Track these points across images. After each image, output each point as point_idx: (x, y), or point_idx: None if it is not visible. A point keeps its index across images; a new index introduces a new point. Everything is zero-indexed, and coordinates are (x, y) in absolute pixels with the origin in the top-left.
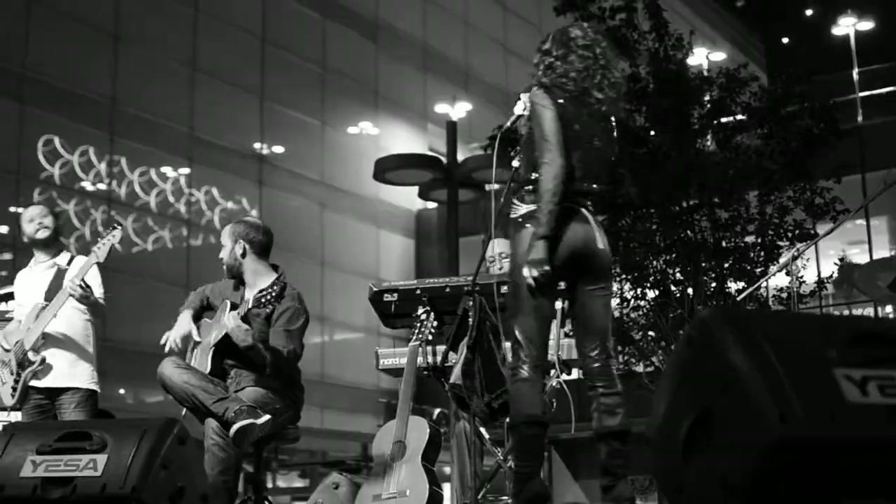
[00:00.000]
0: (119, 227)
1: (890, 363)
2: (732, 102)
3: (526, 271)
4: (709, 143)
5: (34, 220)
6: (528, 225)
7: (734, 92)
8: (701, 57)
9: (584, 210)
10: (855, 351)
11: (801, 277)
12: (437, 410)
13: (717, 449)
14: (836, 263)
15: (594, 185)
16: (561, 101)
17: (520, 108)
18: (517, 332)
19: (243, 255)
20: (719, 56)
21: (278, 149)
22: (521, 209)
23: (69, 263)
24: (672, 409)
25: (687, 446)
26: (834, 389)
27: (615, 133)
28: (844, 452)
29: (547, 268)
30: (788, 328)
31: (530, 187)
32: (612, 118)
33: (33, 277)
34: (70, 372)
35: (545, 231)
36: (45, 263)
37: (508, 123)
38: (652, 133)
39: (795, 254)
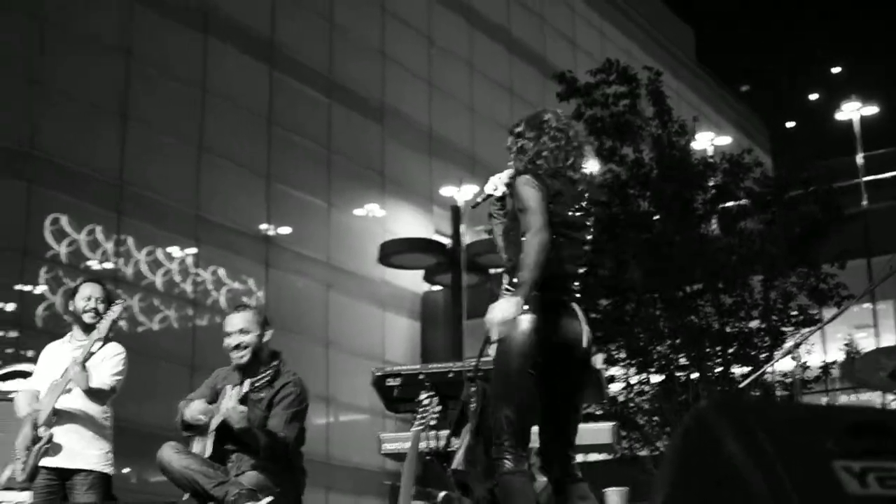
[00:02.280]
0: (121, 303)
1: (889, 455)
2: (736, 187)
3: (495, 334)
4: (713, 228)
5: (90, 299)
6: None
7: (738, 177)
8: (706, 141)
9: (573, 305)
10: (854, 442)
11: (806, 363)
12: (443, 494)
13: None
14: (841, 350)
15: (578, 269)
16: (545, 183)
17: (490, 188)
18: (503, 419)
19: (266, 341)
20: (724, 140)
21: (284, 230)
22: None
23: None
24: (669, 499)
25: None
26: (833, 482)
27: (593, 218)
28: None
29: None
30: (786, 419)
31: (518, 277)
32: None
33: (62, 353)
34: (83, 452)
35: (521, 297)
36: (80, 342)
37: (480, 200)
38: (656, 218)
39: (799, 340)
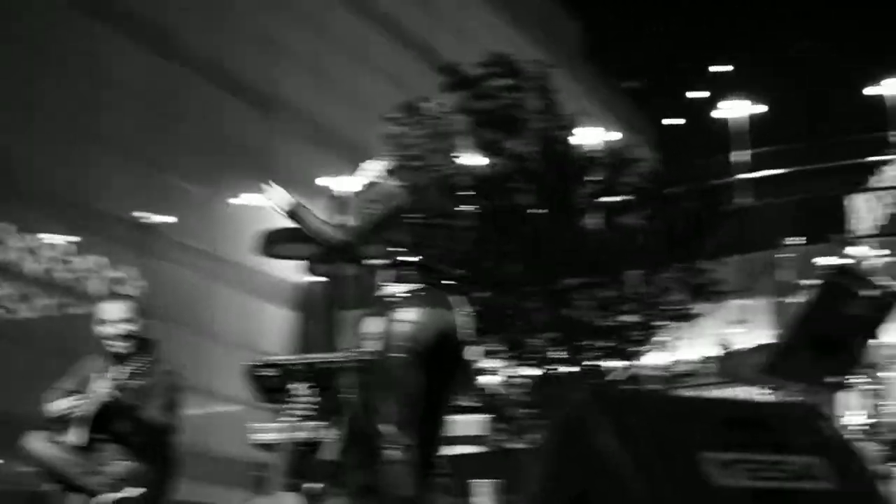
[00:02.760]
0: None
1: (755, 446)
2: (618, 183)
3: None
4: (594, 222)
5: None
6: (398, 307)
7: (620, 172)
8: (591, 137)
9: (450, 296)
10: (722, 434)
11: (678, 357)
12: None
13: None
14: (715, 345)
15: (452, 269)
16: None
17: (367, 177)
18: (385, 409)
19: (142, 330)
20: (610, 136)
21: (166, 218)
22: (395, 289)
23: None
24: (546, 491)
25: None
26: (703, 472)
27: (470, 209)
28: None
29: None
30: (659, 410)
31: (402, 267)
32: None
33: None
34: None
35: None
36: None
37: (361, 189)
38: (537, 211)
39: (671, 334)
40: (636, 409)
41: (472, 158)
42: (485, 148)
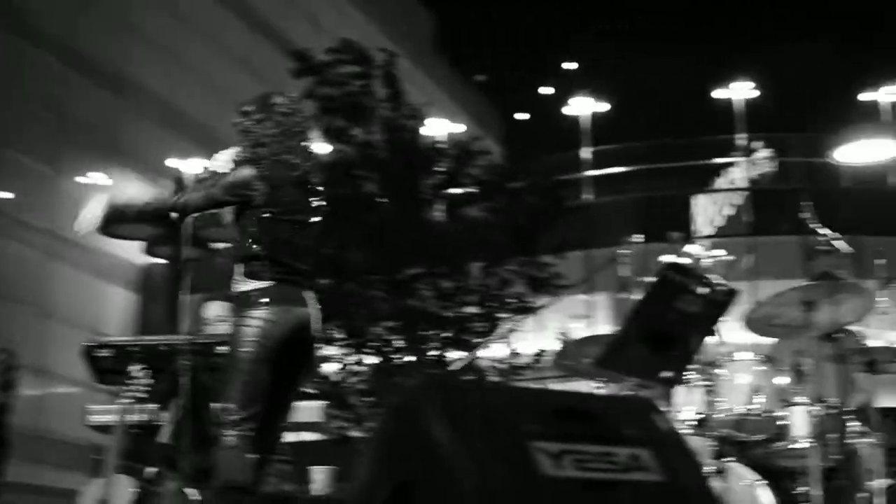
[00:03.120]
0: None
1: (585, 438)
2: (463, 175)
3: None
4: (438, 213)
5: None
6: (256, 298)
7: (465, 164)
8: (439, 128)
9: (305, 289)
10: (553, 425)
11: (518, 350)
12: (152, 469)
13: None
14: (555, 338)
15: (307, 254)
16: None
17: (215, 164)
18: (231, 396)
19: None
20: (458, 128)
21: (5, 194)
22: (248, 285)
23: None
24: (373, 478)
25: None
26: (531, 462)
27: (319, 202)
28: None
29: None
30: (490, 400)
31: (253, 263)
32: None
33: None
34: None
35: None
36: None
37: (204, 175)
38: (382, 200)
39: (511, 326)
40: (468, 398)
41: (319, 146)
42: (331, 135)
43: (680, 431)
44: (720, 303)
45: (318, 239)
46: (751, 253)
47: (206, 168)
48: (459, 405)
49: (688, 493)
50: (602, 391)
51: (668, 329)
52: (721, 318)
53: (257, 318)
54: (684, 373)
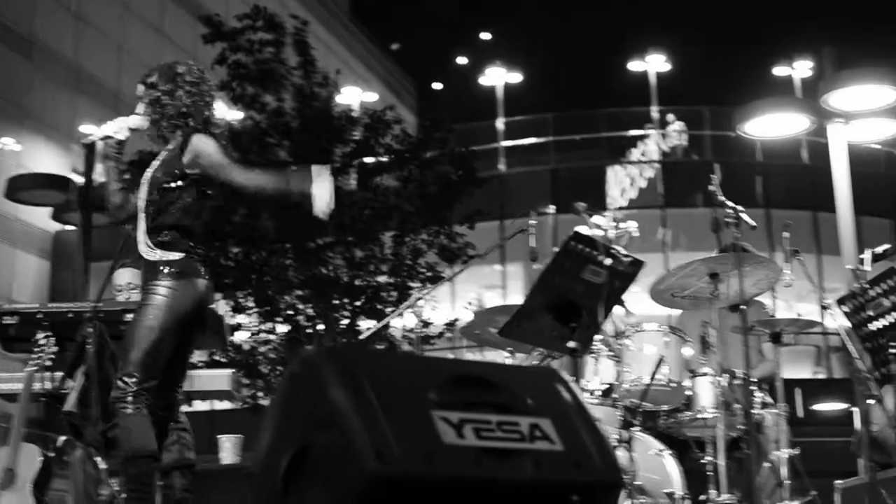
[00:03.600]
0: None
1: (486, 407)
2: (376, 143)
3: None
4: (349, 181)
5: None
6: (165, 269)
7: (378, 133)
8: (352, 96)
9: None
10: (454, 393)
11: (429, 319)
12: (62, 438)
13: (314, 485)
14: (466, 308)
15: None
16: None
17: (111, 129)
18: (135, 364)
19: None
20: (372, 97)
21: None
22: (156, 254)
23: None
24: (274, 444)
25: (286, 482)
26: (431, 430)
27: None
28: (438, 492)
29: None
30: (391, 369)
31: (166, 234)
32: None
33: None
34: None
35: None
36: None
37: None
38: (293, 168)
39: (421, 295)
40: (368, 364)
41: (230, 112)
42: (242, 102)
43: (585, 401)
44: (625, 274)
45: (228, 205)
46: (665, 226)
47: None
48: (356, 372)
49: (589, 462)
50: (509, 361)
51: (573, 299)
52: (627, 289)
53: (165, 288)
54: (590, 343)
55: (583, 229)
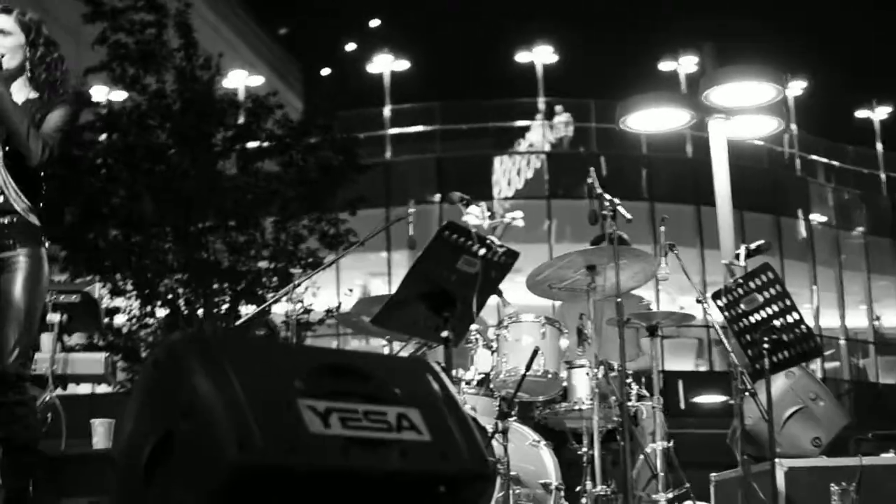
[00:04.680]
0: None
1: (353, 396)
2: (258, 128)
3: None
4: (230, 166)
5: None
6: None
7: (260, 118)
8: (238, 80)
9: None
10: (321, 382)
11: (310, 306)
12: None
13: (176, 473)
14: (347, 294)
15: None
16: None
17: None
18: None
19: None
20: (258, 81)
21: None
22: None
23: None
24: (136, 432)
25: (148, 470)
26: (297, 419)
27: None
28: (302, 482)
29: None
30: (257, 356)
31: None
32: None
33: None
34: None
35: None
36: None
37: None
38: (173, 151)
39: (297, 281)
40: (233, 351)
41: (110, 93)
42: (122, 82)
43: (454, 391)
44: (500, 265)
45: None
46: (550, 217)
47: None
48: (222, 360)
49: (456, 453)
50: (386, 349)
51: (447, 289)
52: (502, 280)
53: (45, 267)
54: (465, 333)
55: (469, 219)
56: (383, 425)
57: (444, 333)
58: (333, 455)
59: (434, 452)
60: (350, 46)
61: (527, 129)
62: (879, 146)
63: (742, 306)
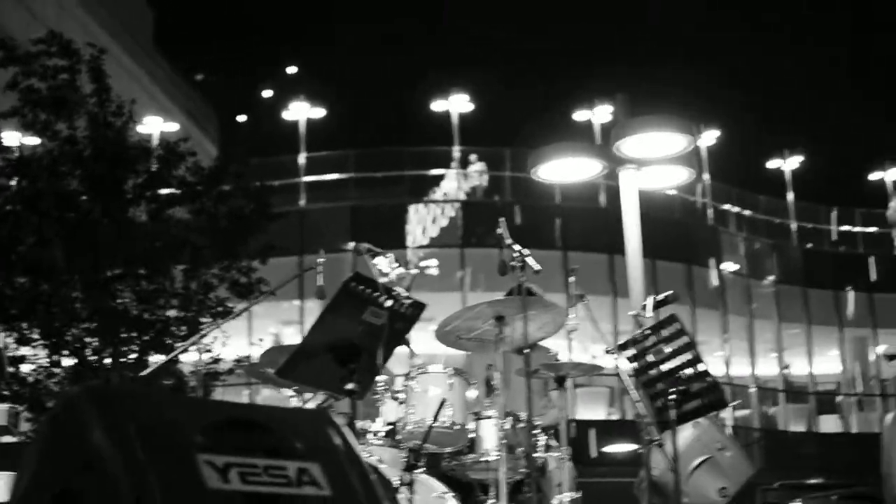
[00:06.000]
0: None
1: (253, 451)
2: (169, 175)
3: None
4: (141, 213)
5: None
6: None
7: (171, 165)
8: (153, 126)
9: None
10: (221, 437)
11: (219, 355)
12: None
13: None
14: (255, 344)
15: None
16: None
17: None
18: None
19: None
20: (173, 127)
21: None
22: None
23: None
24: (32, 486)
25: None
26: (195, 475)
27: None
28: None
29: None
30: (157, 410)
31: None
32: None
33: None
34: None
35: None
36: None
37: None
38: (84, 198)
39: (204, 331)
40: (133, 405)
41: (22, 138)
42: (34, 128)
43: (357, 444)
44: (406, 316)
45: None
46: (464, 266)
47: None
48: (119, 414)
49: None
50: (292, 401)
51: (353, 340)
52: (409, 331)
53: None
54: (371, 385)
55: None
56: (283, 480)
57: (350, 386)
58: None
59: None
60: (267, 93)
61: (441, 177)
62: (790, 196)
63: (649, 357)
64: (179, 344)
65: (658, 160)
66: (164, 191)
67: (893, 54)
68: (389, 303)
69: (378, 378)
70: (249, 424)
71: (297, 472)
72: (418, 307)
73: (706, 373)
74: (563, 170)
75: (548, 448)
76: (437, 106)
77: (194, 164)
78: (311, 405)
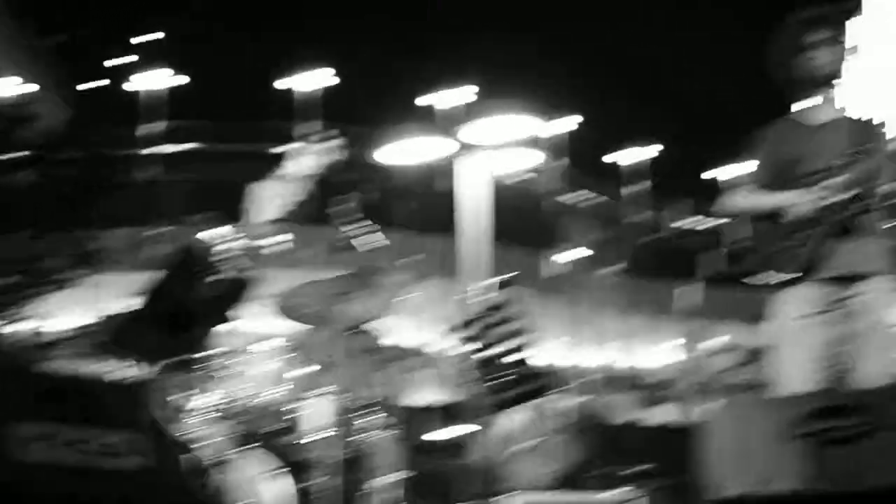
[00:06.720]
0: None
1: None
2: (14, 138)
3: None
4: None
5: None
6: None
7: (15, 128)
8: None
9: None
10: (41, 405)
11: (57, 325)
12: None
13: None
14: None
15: None
16: None
17: None
18: None
19: None
20: (18, 90)
21: None
22: None
23: None
24: None
25: None
26: (15, 445)
27: None
28: None
29: None
30: None
31: None
32: None
33: None
34: None
35: None
36: None
37: None
38: None
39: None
40: None
41: None
42: None
43: (176, 419)
44: (234, 290)
45: None
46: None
47: None
48: None
49: (162, 480)
50: (124, 372)
51: (181, 312)
52: (237, 305)
53: None
54: (199, 357)
55: (198, 242)
56: (94, 451)
57: (178, 357)
58: (41, 481)
59: (141, 480)
60: (124, 60)
61: (293, 152)
62: (647, 184)
63: (481, 341)
64: (9, 312)
65: (507, 144)
66: (6, 154)
67: None
68: (218, 277)
69: (209, 352)
70: (63, 394)
71: (108, 443)
72: (245, 283)
73: (532, 358)
74: (406, 151)
75: (378, 428)
76: (294, 82)
77: (41, 129)
78: (136, 378)
